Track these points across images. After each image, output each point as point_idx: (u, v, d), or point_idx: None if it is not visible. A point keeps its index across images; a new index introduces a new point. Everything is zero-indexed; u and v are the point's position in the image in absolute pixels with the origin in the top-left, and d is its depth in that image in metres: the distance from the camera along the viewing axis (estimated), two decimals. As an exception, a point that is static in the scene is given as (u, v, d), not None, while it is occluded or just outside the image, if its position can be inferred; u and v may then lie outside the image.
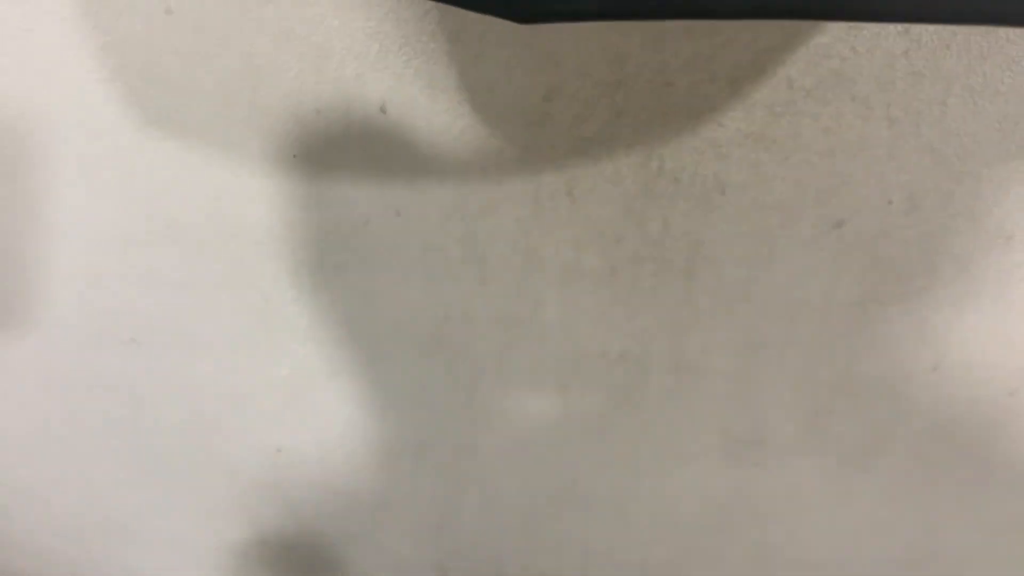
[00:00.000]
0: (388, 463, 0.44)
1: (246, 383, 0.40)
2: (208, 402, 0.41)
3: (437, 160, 0.30)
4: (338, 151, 0.30)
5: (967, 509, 0.42)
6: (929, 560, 0.44)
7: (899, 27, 0.25)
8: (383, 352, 0.38)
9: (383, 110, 0.28)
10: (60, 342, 0.39)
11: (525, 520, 0.44)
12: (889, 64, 0.26)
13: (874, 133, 0.27)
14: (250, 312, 0.36)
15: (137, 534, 0.50)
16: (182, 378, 0.40)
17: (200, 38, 0.27)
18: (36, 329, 0.38)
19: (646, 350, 0.37)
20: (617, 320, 0.35)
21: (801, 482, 0.42)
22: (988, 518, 0.42)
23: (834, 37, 0.26)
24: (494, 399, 0.40)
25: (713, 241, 0.31)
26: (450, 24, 0.26)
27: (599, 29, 0.26)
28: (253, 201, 0.31)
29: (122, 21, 0.27)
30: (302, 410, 0.41)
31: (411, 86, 0.28)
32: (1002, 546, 0.43)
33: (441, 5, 0.24)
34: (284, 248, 0.33)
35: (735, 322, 0.35)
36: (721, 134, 0.28)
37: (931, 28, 0.25)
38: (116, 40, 0.27)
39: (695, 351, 0.37)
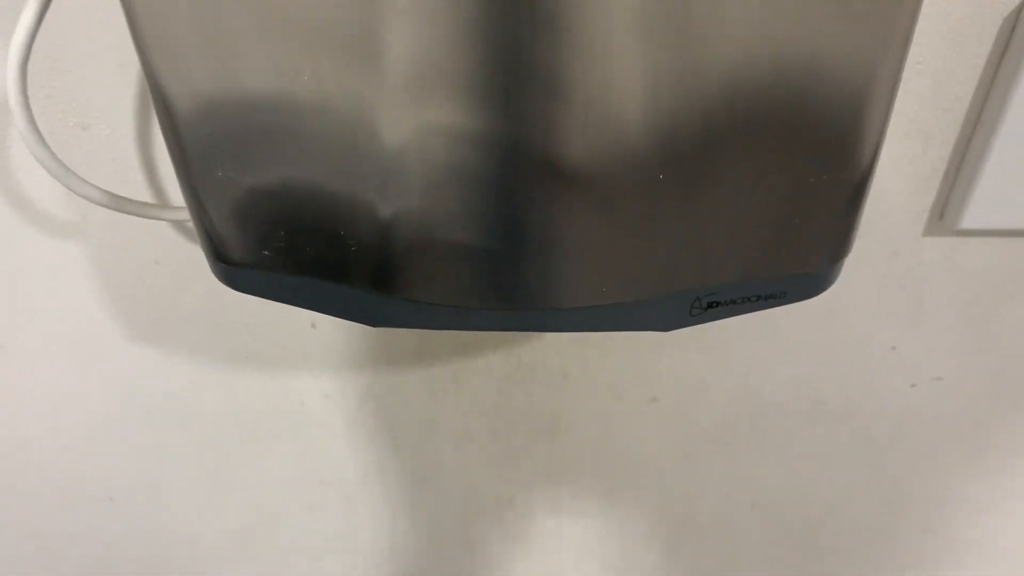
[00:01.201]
0: (323, 599, 0.51)
1: (203, 531, 0.48)
2: (170, 548, 0.49)
3: (355, 357, 0.40)
4: (279, 353, 0.40)
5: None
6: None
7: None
8: (316, 504, 0.46)
9: (313, 326, 0.38)
10: (49, 503, 0.47)
11: (441, 647, 0.51)
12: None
13: (667, 337, 0.38)
14: (206, 473, 0.45)
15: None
16: (148, 528, 0.48)
17: (178, 280, 0.37)
18: (30, 493, 0.46)
19: (530, 496, 0.46)
20: (504, 472, 0.45)
21: (674, 604, 0.50)
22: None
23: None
24: (409, 543, 0.48)
25: (566, 412, 0.41)
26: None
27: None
28: (210, 390, 0.41)
29: (120, 265, 0.37)
30: (251, 554, 0.49)
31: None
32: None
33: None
34: (233, 423, 0.42)
35: (596, 473, 0.44)
36: (558, 338, 0.38)
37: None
38: (114, 278, 0.38)
39: (568, 496, 0.46)
